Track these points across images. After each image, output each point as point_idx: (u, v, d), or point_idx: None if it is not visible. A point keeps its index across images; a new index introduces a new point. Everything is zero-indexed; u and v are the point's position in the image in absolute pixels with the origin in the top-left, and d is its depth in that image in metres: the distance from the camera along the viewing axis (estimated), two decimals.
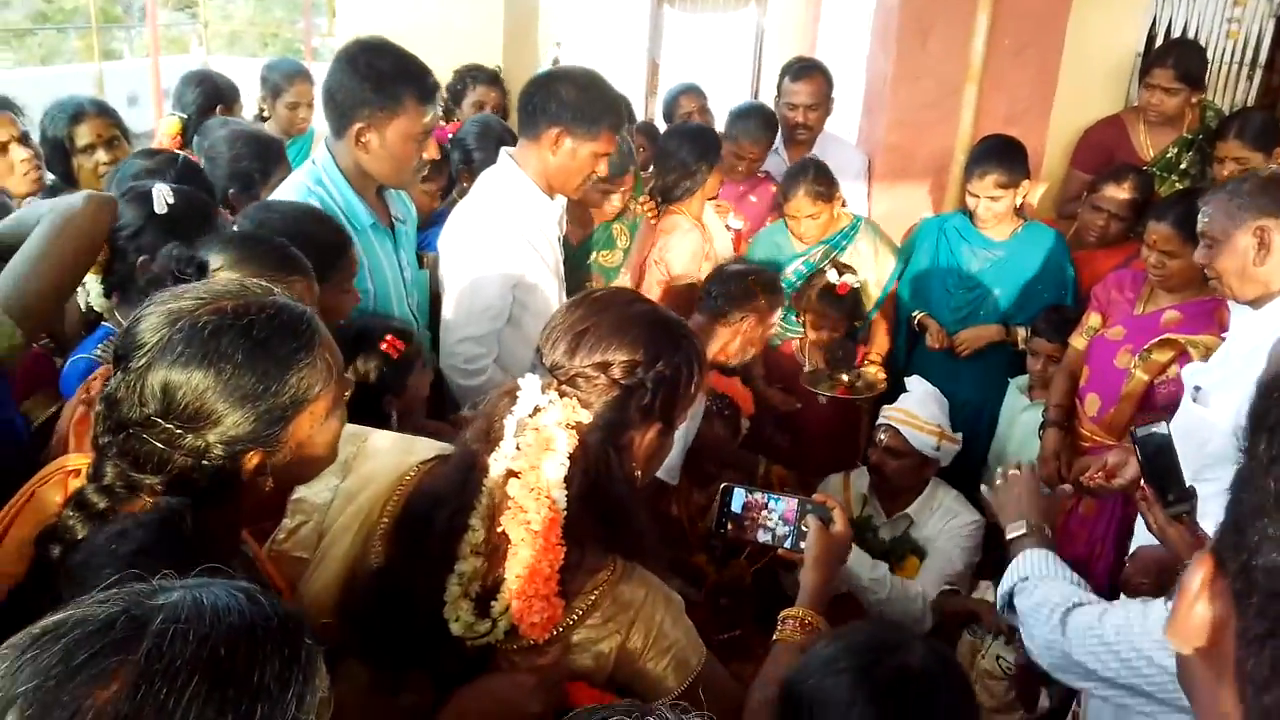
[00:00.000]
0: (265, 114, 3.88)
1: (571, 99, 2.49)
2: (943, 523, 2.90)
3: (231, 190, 2.80)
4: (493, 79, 3.86)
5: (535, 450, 1.30)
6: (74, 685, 0.73)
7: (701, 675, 1.41)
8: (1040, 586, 1.65)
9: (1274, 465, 0.55)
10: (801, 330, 3.50)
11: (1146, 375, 2.75)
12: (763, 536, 1.66)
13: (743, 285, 2.77)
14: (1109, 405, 2.84)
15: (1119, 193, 3.30)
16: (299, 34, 13.92)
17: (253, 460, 1.21)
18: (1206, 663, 0.63)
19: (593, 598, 1.34)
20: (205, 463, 1.18)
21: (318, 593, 1.42)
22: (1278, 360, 0.64)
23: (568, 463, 1.30)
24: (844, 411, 3.31)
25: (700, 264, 3.30)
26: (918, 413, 2.91)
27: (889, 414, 2.95)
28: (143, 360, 1.16)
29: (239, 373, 1.17)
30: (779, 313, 2.93)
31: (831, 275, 3.31)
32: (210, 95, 3.72)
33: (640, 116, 4.71)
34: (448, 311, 2.56)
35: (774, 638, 1.55)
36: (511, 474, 1.30)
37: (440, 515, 1.35)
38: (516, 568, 1.27)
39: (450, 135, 3.41)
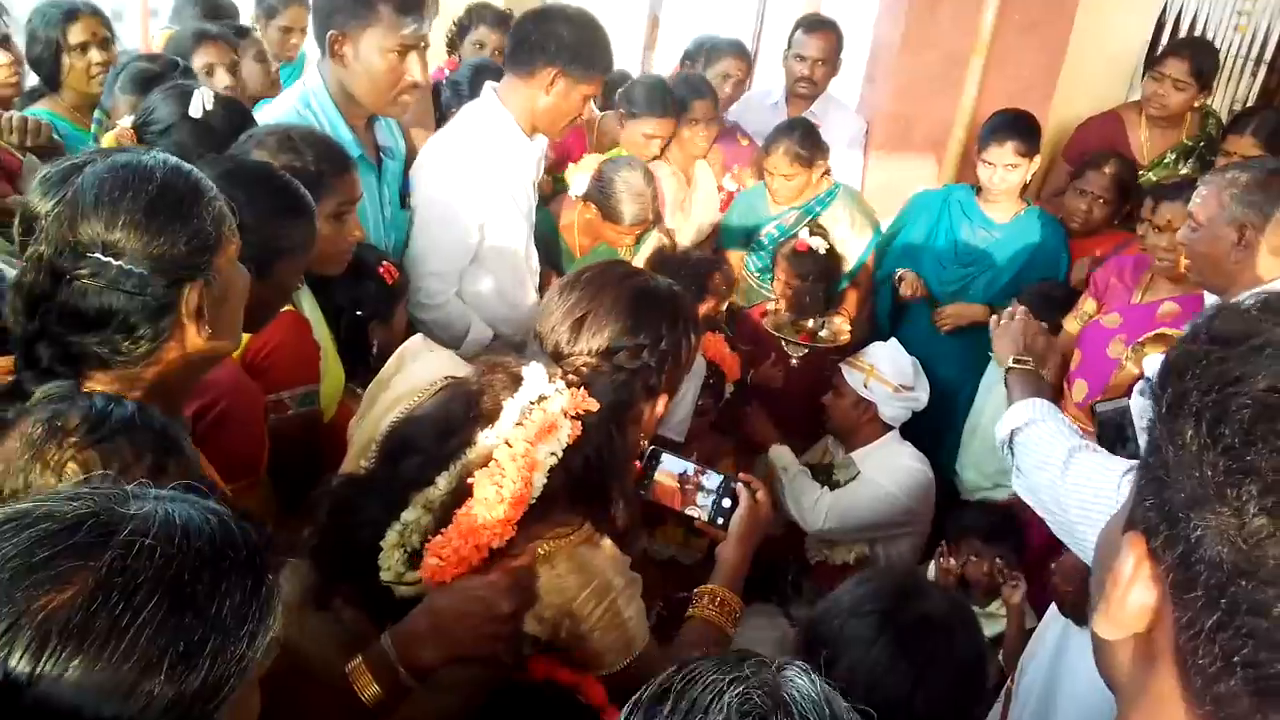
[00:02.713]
0: (257, 34, 3.78)
1: (571, 39, 2.44)
2: (874, 475, 3.02)
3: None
4: (499, 19, 3.78)
5: (535, 431, 1.29)
6: (29, 584, 0.71)
7: (642, 657, 1.40)
8: (1042, 432, 1.67)
9: (1207, 453, 0.54)
10: (774, 293, 3.48)
11: (1137, 369, 2.74)
12: (687, 510, 1.65)
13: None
14: (1096, 393, 2.82)
15: (1102, 176, 3.30)
16: None
17: (194, 294, 1.22)
18: (1137, 647, 0.63)
19: (546, 548, 1.33)
20: (148, 297, 1.18)
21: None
22: (1185, 337, 0.62)
23: (560, 453, 1.30)
24: (818, 371, 3.30)
25: (674, 213, 3.32)
26: (863, 357, 3.12)
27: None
28: (54, 217, 1.15)
29: (160, 195, 1.19)
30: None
31: (803, 233, 3.28)
32: (208, 11, 3.62)
33: (638, 73, 4.59)
34: (415, 243, 2.52)
35: (688, 613, 1.55)
36: (505, 442, 1.29)
37: (410, 462, 1.34)
38: (462, 519, 1.26)
39: (445, 74, 3.36)
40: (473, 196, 2.47)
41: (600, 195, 2.95)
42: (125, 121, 2.16)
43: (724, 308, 3.05)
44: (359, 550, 1.31)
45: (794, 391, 3.29)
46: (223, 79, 2.90)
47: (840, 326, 3.33)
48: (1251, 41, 4.61)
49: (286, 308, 1.88)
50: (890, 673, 1.21)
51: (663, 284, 1.49)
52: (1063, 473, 1.56)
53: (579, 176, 3.05)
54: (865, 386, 3.08)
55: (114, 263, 1.16)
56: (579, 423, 1.32)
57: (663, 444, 1.73)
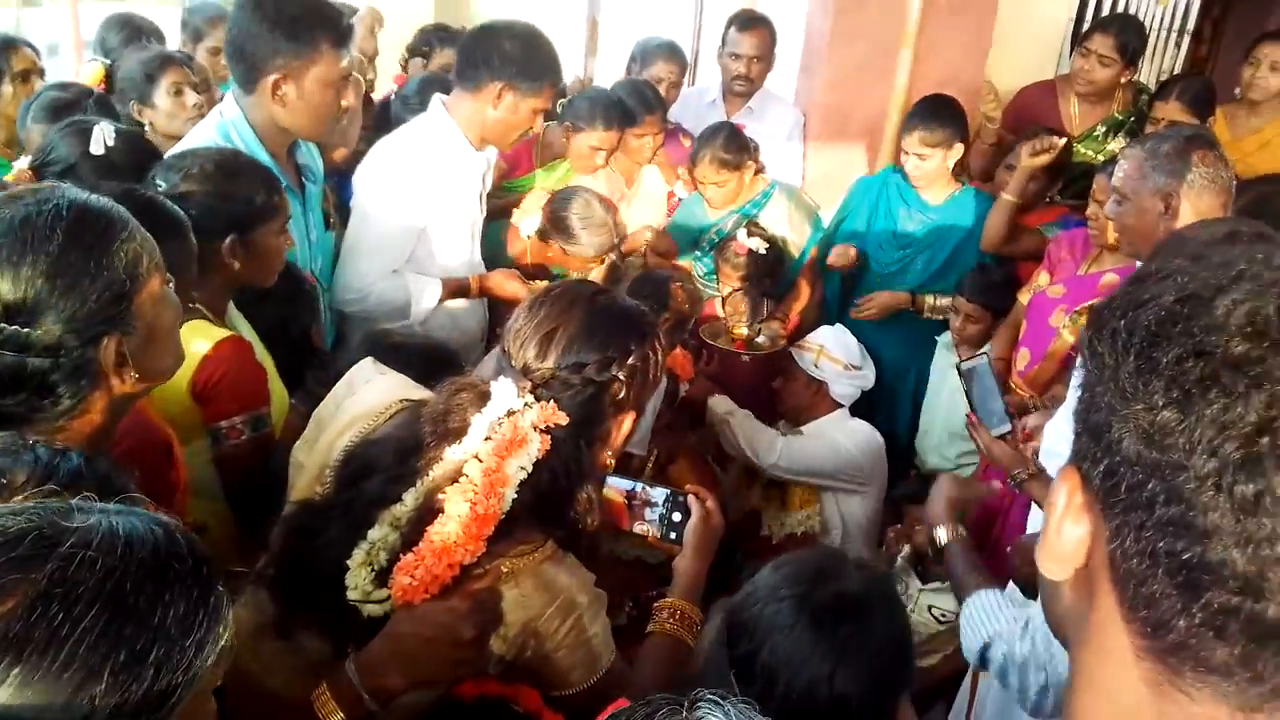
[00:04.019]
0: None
1: (516, 54, 2.47)
2: (826, 431, 3.11)
3: (131, 100, 2.75)
4: (453, 39, 3.78)
5: (505, 444, 1.29)
6: None
7: (608, 675, 1.40)
8: (1010, 639, 1.57)
9: (1122, 363, 0.58)
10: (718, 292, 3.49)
11: (1073, 338, 2.79)
12: (637, 528, 1.65)
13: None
14: (1037, 361, 2.88)
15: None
16: None
17: (110, 347, 1.19)
18: (1079, 582, 0.65)
19: (509, 566, 1.33)
20: (63, 359, 1.15)
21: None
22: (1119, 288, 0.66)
23: (530, 468, 1.30)
24: (770, 363, 3.32)
25: None
26: (811, 340, 3.20)
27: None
28: None
29: (64, 252, 1.15)
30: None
31: (741, 235, 3.29)
32: (134, 39, 3.57)
33: (580, 76, 4.59)
34: (346, 242, 2.54)
35: (649, 629, 1.56)
36: (475, 457, 1.29)
37: (374, 481, 1.34)
38: (434, 538, 1.26)
39: (394, 89, 3.36)
40: (410, 200, 2.48)
41: (558, 233, 2.96)
42: (22, 162, 2.10)
43: (689, 323, 3.03)
44: (323, 573, 1.30)
45: (747, 384, 3.31)
46: (192, 98, 2.87)
47: (778, 331, 3.35)
48: (1174, 14, 4.74)
49: (228, 333, 1.87)
50: (810, 656, 1.22)
51: (630, 302, 1.51)
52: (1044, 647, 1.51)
53: (527, 220, 3.06)
54: (816, 366, 3.13)
55: (21, 331, 1.13)
56: (548, 437, 1.32)
57: (622, 458, 1.73)
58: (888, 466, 3.19)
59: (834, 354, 3.17)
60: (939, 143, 3.21)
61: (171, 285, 1.36)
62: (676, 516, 1.63)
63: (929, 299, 3.35)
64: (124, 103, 2.84)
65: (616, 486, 1.66)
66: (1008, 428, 1.93)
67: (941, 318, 3.34)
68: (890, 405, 3.43)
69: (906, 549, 2.92)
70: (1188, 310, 0.57)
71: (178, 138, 2.47)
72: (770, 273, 3.36)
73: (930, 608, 2.77)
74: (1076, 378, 0.66)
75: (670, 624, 1.54)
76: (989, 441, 1.93)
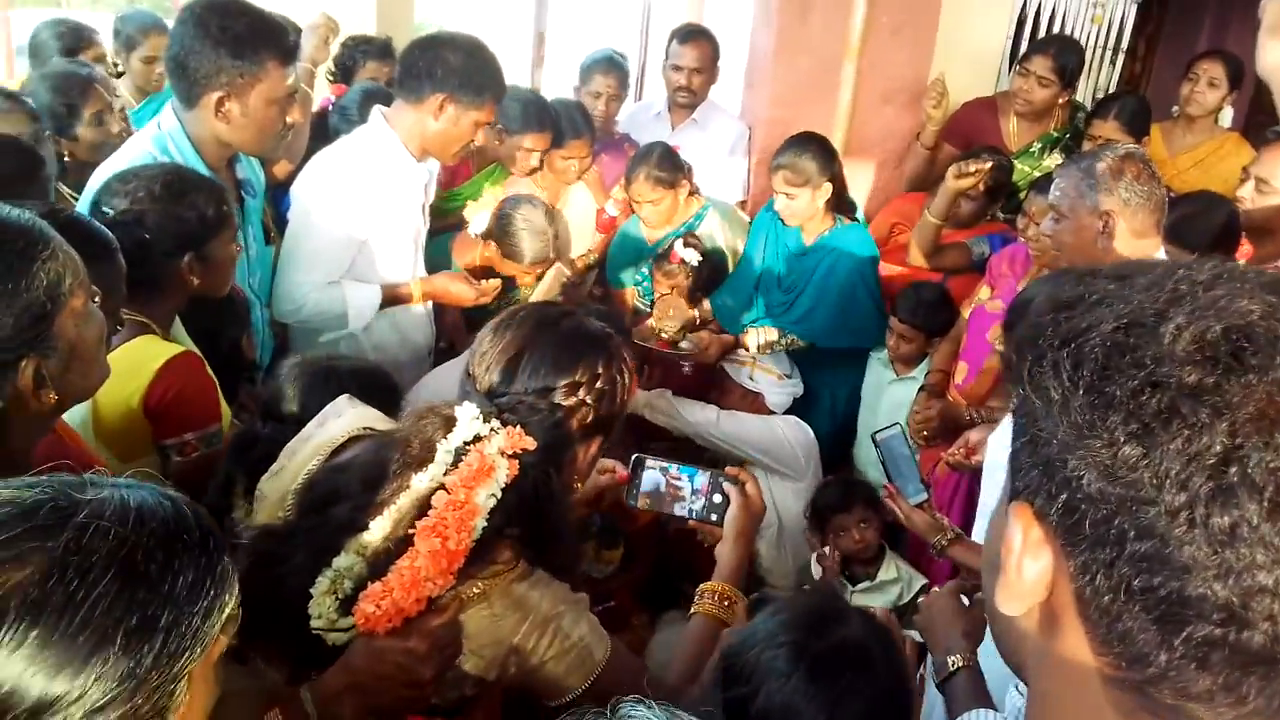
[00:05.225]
0: (120, 69, 3.64)
1: (459, 66, 2.45)
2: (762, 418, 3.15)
3: (47, 132, 2.63)
4: (384, 51, 3.74)
5: (472, 474, 1.27)
6: None
7: (609, 667, 1.39)
8: None
9: (1071, 398, 0.57)
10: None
11: None
12: (678, 509, 1.67)
13: None
14: (974, 375, 2.91)
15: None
16: None
17: (29, 369, 1.17)
18: (1041, 616, 0.64)
19: (480, 587, 1.31)
20: None
21: None
22: (1032, 311, 0.65)
23: (499, 494, 1.28)
24: (709, 377, 3.32)
25: None
26: (742, 354, 3.22)
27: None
28: None
29: None
30: None
31: (678, 245, 3.28)
32: (69, 44, 3.46)
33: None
34: (283, 254, 2.50)
35: (692, 610, 1.57)
36: (442, 487, 1.27)
37: (341, 508, 1.31)
38: (404, 571, 1.23)
39: (332, 100, 3.30)
40: (349, 212, 2.45)
41: (500, 233, 2.94)
42: None
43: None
44: (285, 600, 1.27)
45: (686, 394, 3.29)
46: (115, 125, 2.79)
47: (703, 337, 3.30)
48: (1108, 32, 4.84)
49: (180, 349, 1.86)
50: (806, 707, 1.19)
51: (596, 325, 1.49)
52: None
53: (479, 215, 3.03)
54: (751, 379, 3.17)
55: None
56: (516, 462, 1.30)
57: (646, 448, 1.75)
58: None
59: (767, 365, 3.20)
60: (804, 182, 3.08)
61: (97, 301, 1.33)
62: (718, 498, 1.65)
63: (754, 336, 3.23)
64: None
65: (656, 473, 1.67)
66: (925, 496, 1.95)
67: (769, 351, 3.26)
68: (825, 420, 3.42)
69: (837, 555, 2.96)
70: (1133, 339, 0.56)
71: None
72: (704, 286, 3.35)
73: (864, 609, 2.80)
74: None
75: (713, 606, 1.55)
76: (908, 511, 1.94)
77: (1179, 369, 0.54)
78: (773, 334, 3.22)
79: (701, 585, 1.59)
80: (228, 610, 0.88)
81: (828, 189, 3.11)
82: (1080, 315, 0.59)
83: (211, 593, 0.85)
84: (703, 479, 1.67)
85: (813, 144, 3.13)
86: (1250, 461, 0.51)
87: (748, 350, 3.26)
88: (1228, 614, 0.52)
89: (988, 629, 1.56)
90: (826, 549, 2.89)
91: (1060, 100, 3.71)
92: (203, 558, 0.86)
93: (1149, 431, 0.53)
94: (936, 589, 1.87)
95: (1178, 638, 0.54)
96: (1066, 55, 3.69)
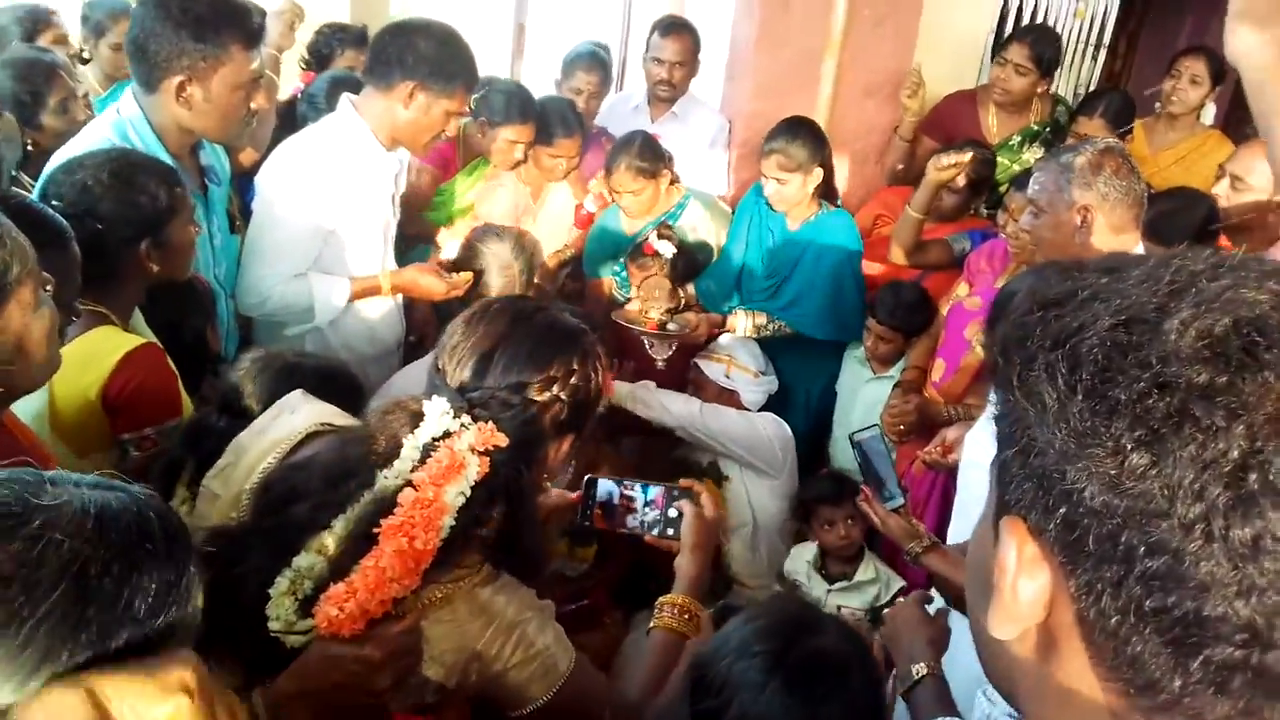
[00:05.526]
0: (87, 55, 3.56)
1: (430, 54, 2.40)
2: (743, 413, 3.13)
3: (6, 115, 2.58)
4: (359, 40, 3.68)
5: (442, 472, 1.23)
6: None
7: (572, 679, 1.36)
8: None
9: (1069, 404, 0.52)
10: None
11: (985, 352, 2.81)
12: (632, 524, 1.65)
13: None
14: (951, 373, 2.88)
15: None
16: None
17: None
18: (1038, 638, 0.59)
19: (443, 591, 1.28)
20: None
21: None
22: (1014, 309, 0.60)
23: (469, 492, 1.24)
24: (683, 373, 3.29)
25: (515, 219, 3.28)
26: (717, 350, 3.20)
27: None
28: None
29: None
30: None
31: (652, 237, 3.24)
32: (28, 30, 3.39)
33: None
34: (247, 245, 2.45)
35: (651, 624, 1.53)
36: (410, 484, 1.23)
37: (301, 507, 1.27)
38: (368, 572, 1.20)
39: (301, 88, 3.25)
40: (316, 203, 2.40)
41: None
42: None
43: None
44: (240, 602, 1.23)
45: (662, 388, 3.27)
46: (81, 112, 2.73)
47: (690, 318, 3.25)
48: (1091, 26, 4.83)
49: (141, 341, 1.82)
50: (785, 717, 1.16)
51: (571, 320, 1.46)
52: None
53: (451, 243, 3.00)
54: (727, 376, 3.14)
55: None
56: (487, 459, 1.27)
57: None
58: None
59: (743, 363, 3.17)
60: (797, 167, 3.07)
61: (49, 290, 1.30)
62: (673, 512, 1.63)
63: (741, 319, 3.24)
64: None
65: (609, 491, 1.65)
66: (900, 501, 1.91)
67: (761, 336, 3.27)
68: (800, 416, 3.39)
69: (814, 552, 2.94)
70: (1135, 337, 0.52)
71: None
72: (680, 278, 3.30)
73: (840, 608, 2.82)
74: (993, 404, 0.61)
75: (673, 619, 1.52)
76: (883, 515, 1.90)
77: (1188, 368, 0.49)
78: (761, 317, 3.23)
79: (660, 599, 1.56)
80: (191, 620, 0.85)
81: (819, 174, 3.12)
82: (1072, 313, 0.55)
83: (173, 605, 0.82)
84: (656, 492, 1.65)
85: (805, 129, 3.13)
86: (1272, 467, 0.47)
87: (734, 333, 3.24)
88: (1250, 634, 0.49)
89: (951, 637, 1.55)
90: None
91: (1039, 90, 3.71)
92: (163, 570, 0.82)
93: (1158, 438, 0.49)
94: (901, 599, 1.86)
95: (1194, 661, 0.50)
96: (1044, 44, 3.68)
